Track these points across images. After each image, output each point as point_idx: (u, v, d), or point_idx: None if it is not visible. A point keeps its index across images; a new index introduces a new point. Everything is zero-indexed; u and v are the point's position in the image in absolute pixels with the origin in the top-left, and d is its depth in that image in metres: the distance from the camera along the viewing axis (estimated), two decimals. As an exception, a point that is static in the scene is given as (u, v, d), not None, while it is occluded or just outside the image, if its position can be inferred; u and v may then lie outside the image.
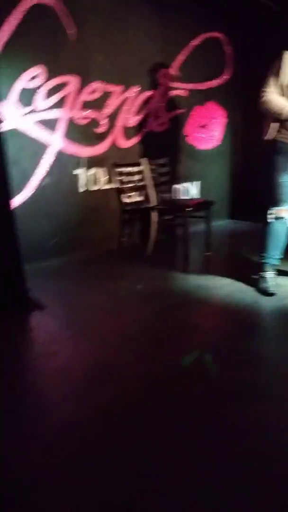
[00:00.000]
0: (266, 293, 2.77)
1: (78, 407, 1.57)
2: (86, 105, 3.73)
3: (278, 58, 2.57)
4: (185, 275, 3.29)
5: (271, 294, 2.75)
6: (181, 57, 4.55)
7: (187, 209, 3.48)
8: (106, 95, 3.86)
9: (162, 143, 4.43)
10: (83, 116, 3.71)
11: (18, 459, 1.30)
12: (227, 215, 5.55)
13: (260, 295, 2.76)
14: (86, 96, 3.71)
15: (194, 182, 4.98)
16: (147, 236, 3.81)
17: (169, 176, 4.21)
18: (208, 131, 5.11)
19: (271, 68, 2.60)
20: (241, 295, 2.78)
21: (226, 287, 2.93)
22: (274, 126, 2.63)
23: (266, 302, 2.64)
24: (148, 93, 4.24)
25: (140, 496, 1.14)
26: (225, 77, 5.15)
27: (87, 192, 3.87)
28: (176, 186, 4.70)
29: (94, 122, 3.82)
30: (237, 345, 2.11)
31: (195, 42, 4.67)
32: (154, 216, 3.74)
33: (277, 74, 2.56)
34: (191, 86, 4.71)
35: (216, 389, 1.69)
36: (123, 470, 1.24)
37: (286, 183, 2.66)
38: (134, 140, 4.19)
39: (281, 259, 2.90)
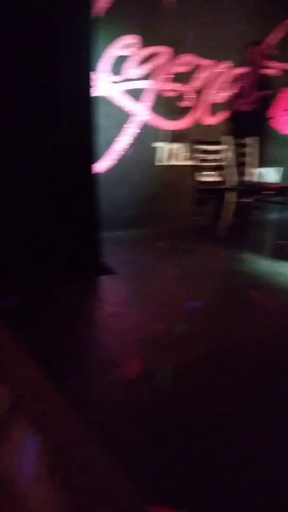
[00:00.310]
0: None
1: (137, 367, 1.62)
2: (175, 78, 3.68)
3: None
4: (256, 259, 3.20)
5: None
6: (279, 35, 4.33)
7: (266, 192, 3.37)
8: (195, 69, 3.79)
9: (247, 123, 4.27)
10: (171, 88, 3.68)
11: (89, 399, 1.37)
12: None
13: None
14: (176, 68, 3.66)
15: (276, 168, 4.78)
16: (221, 217, 3.75)
17: (250, 158, 4.07)
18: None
19: None
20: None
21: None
22: None
23: None
24: (239, 70, 4.10)
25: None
26: None
27: (165, 166, 3.85)
28: (257, 169, 4.54)
29: (181, 96, 3.77)
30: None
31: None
32: (231, 197, 3.66)
33: None
34: (286, 65, 4.49)
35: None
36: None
37: None
38: (219, 117, 4.09)
39: None
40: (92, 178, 2.69)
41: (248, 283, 2.69)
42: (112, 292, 2.44)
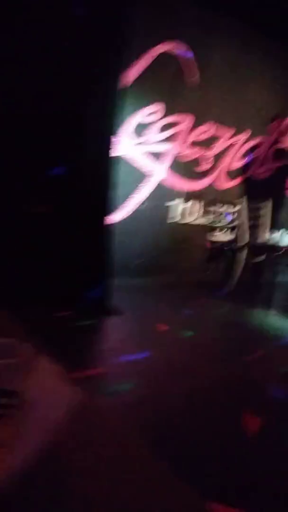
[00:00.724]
0: None
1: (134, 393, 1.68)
2: (196, 143, 3.94)
3: None
4: (263, 314, 3.24)
5: None
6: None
7: (276, 253, 3.44)
8: (215, 136, 4.05)
9: (262, 189, 4.46)
10: (190, 153, 3.93)
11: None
12: None
13: None
14: (197, 134, 3.93)
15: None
16: (231, 274, 3.82)
17: (262, 221, 4.20)
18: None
19: None
20: None
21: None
22: None
23: None
24: (257, 140, 4.35)
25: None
26: None
27: (179, 223, 4.02)
28: (270, 232, 4.65)
29: (199, 160, 4.01)
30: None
31: None
32: (242, 255, 3.75)
33: None
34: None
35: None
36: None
37: None
38: (235, 182, 4.29)
39: None
40: (106, 228, 2.89)
41: (252, 335, 2.72)
42: (115, 329, 2.54)
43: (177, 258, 4.04)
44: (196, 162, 4.00)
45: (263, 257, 3.87)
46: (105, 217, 2.90)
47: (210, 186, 4.13)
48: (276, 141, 4.52)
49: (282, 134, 4.53)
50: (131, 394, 1.71)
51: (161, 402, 1.68)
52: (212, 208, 3.99)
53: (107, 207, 2.92)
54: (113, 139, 2.82)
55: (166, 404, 1.67)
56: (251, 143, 4.31)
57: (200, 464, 1.34)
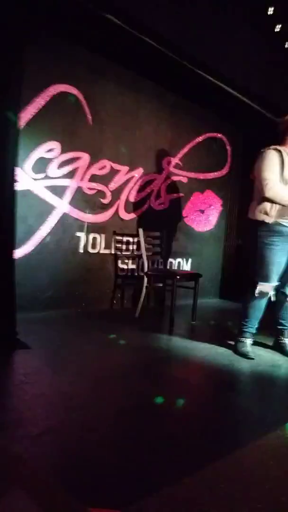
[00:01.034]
0: (246, 356, 2.93)
1: (47, 428, 1.67)
2: (94, 178, 4.15)
3: (264, 155, 2.92)
4: (169, 337, 3.44)
5: (250, 358, 2.90)
6: (185, 149, 5.11)
7: (175, 277, 3.72)
8: (113, 172, 4.31)
9: (160, 219, 4.81)
10: (90, 187, 4.11)
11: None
12: (218, 294, 5.78)
13: (237, 359, 2.89)
14: (94, 170, 4.14)
15: (188, 259, 5.29)
16: (138, 301, 4.02)
17: (163, 249, 4.52)
18: (206, 216, 5.54)
19: (261, 165, 2.91)
20: (219, 357, 2.91)
21: (205, 350, 3.07)
22: (263, 208, 2.91)
23: (241, 366, 2.77)
24: (151, 176, 4.72)
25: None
26: (224, 171, 5.72)
27: (86, 253, 4.14)
28: (170, 260, 5.01)
29: (100, 193, 4.22)
30: (208, 395, 2.23)
31: (199, 138, 5.28)
32: (144, 282, 3.98)
33: (271, 168, 2.88)
34: (191, 175, 5.23)
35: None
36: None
37: (276, 261, 2.91)
38: (135, 214, 4.57)
39: (258, 328, 3.07)
40: (11, 262, 2.89)
41: (160, 357, 2.89)
42: (24, 363, 2.48)
43: (85, 288, 4.13)
44: (97, 195, 4.19)
45: (163, 282, 4.16)
46: (10, 251, 2.91)
47: (112, 218, 4.34)
48: (168, 177, 4.94)
49: (171, 170, 4.96)
50: (34, 425, 1.70)
51: (60, 434, 1.68)
52: (115, 239, 4.19)
53: (12, 241, 2.93)
54: (15, 174, 2.88)
55: (66, 436, 1.68)
56: (146, 178, 4.65)
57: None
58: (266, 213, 2.89)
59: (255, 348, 3.09)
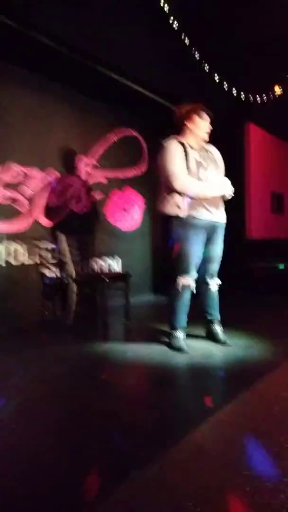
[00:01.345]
0: (180, 351, 2.94)
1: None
2: (7, 185, 3.95)
3: (166, 148, 2.94)
4: (104, 340, 3.38)
5: (184, 352, 2.91)
6: (100, 150, 5.05)
7: (104, 280, 3.66)
8: (27, 177, 4.13)
9: (84, 223, 4.71)
10: (3, 195, 3.91)
11: None
12: (150, 290, 5.82)
13: (173, 354, 2.90)
14: (6, 177, 3.94)
15: (117, 259, 5.25)
16: (67, 308, 3.91)
17: (90, 253, 4.44)
18: (130, 215, 5.54)
19: (165, 158, 2.93)
20: (155, 355, 2.89)
21: (141, 349, 3.05)
22: (174, 201, 2.93)
23: (177, 360, 2.78)
24: (69, 179, 4.60)
25: None
26: (143, 168, 5.74)
27: (8, 266, 3.94)
28: (98, 262, 4.93)
29: (13, 201, 4.02)
30: (143, 395, 2.20)
31: (114, 137, 5.25)
32: (74, 288, 3.87)
33: (175, 161, 2.90)
34: (110, 174, 5.18)
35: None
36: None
37: (194, 254, 2.95)
38: (56, 219, 4.43)
39: (187, 321, 3.11)
40: None
41: (94, 363, 2.82)
42: None
43: (13, 303, 3.93)
44: (12, 203, 4.00)
45: (91, 286, 4.08)
46: None
47: (33, 226, 4.17)
48: (86, 179, 4.85)
49: (88, 170, 4.88)
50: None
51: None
52: (39, 247, 4.03)
53: None
54: None
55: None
56: (63, 182, 4.52)
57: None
58: (178, 207, 2.90)
59: (189, 341, 3.12)
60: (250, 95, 5.66)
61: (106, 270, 5.05)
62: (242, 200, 6.23)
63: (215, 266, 3.14)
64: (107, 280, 3.68)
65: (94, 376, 2.57)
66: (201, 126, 3.01)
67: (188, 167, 2.90)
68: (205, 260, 3.06)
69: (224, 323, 3.25)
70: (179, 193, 2.89)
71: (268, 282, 5.67)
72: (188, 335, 3.18)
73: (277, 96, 5.75)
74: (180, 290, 2.98)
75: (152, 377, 2.59)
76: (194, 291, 3.06)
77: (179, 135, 3.03)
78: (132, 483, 1.35)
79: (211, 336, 3.19)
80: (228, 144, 6.05)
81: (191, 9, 4.49)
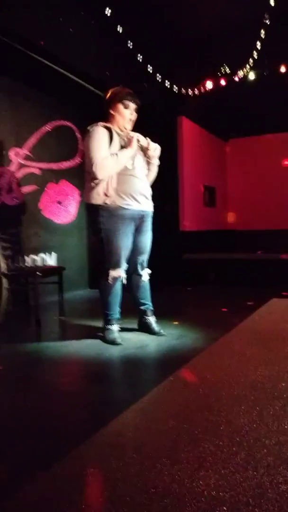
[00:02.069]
0: (114, 343, 2.93)
1: None
2: None
3: (90, 134, 2.88)
4: (37, 338, 3.29)
5: (118, 344, 2.91)
6: (32, 139, 4.87)
7: (36, 274, 3.55)
8: None
9: (15, 215, 4.55)
10: None
11: None
12: (87, 284, 5.75)
13: (106, 347, 2.88)
14: None
15: (52, 254, 5.12)
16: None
17: (22, 246, 4.29)
18: (64, 207, 5.41)
19: (89, 144, 2.87)
20: (89, 349, 2.86)
21: (75, 345, 3.00)
22: (101, 190, 2.88)
23: (111, 353, 2.77)
24: (-2, 169, 4.41)
25: None
26: (77, 160, 5.63)
27: None
28: (31, 256, 4.78)
29: None
30: (75, 390, 2.17)
31: (47, 127, 5.09)
32: (5, 283, 3.72)
33: (99, 147, 2.85)
34: (43, 165, 5.03)
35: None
36: None
37: (124, 246, 2.93)
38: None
39: (120, 313, 3.10)
40: None
41: (25, 362, 2.72)
42: None
43: None
44: None
45: (23, 280, 3.95)
46: None
47: None
48: (18, 169, 4.67)
49: (20, 161, 4.70)
50: None
51: None
52: None
53: None
54: None
55: None
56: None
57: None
58: (105, 195, 2.87)
59: (123, 333, 3.11)
60: (182, 89, 5.74)
61: (40, 264, 4.91)
62: (176, 193, 6.33)
63: (145, 257, 3.15)
64: (40, 274, 3.57)
65: (25, 374, 2.49)
66: (124, 113, 3.00)
67: (112, 152, 2.87)
68: (135, 251, 3.06)
69: (157, 314, 3.28)
70: (104, 181, 2.84)
71: (200, 273, 5.82)
72: (123, 328, 3.18)
73: (208, 91, 5.88)
74: (110, 282, 2.96)
75: (84, 372, 2.57)
76: (125, 282, 3.05)
77: (106, 121, 3.00)
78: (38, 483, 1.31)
79: (145, 327, 3.21)
80: (161, 136, 6.14)
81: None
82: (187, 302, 4.71)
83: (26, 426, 1.79)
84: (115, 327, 3.05)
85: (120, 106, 2.98)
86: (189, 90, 5.81)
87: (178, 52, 5.67)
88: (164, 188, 5.30)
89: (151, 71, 5.06)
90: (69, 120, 5.46)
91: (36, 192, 4.92)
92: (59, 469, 1.38)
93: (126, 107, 2.99)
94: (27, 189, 4.78)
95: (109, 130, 2.91)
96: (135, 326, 3.30)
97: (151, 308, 3.24)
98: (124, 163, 2.88)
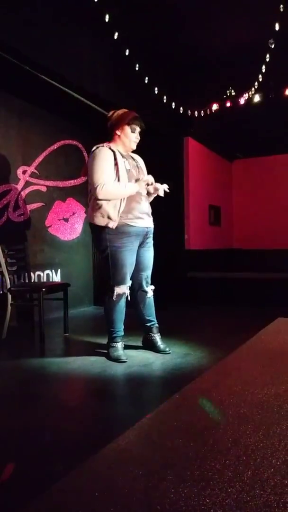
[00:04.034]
0: (118, 360, 2.91)
1: None
2: None
3: (95, 155, 2.93)
4: (41, 354, 3.28)
5: (123, 361, 2.89)
6: (40, 158, 4.95)
7: (41, 290, 3.56)
8: None
9: (21, 231, 4.58)
10: None
11: None
12: (92, 301, 5.74)
13: (111, 365, 2.87)
14: None
15: (57, 270, 5.14)
16: (3, 321, 3.74)
17: (27, 263, 4.31)
18: (70, 224, 5.46)
19: (93, 165, 2.91)
20: (93, 367, 2.85)
21: (78, 362, 2.98)
22: (105, 212, 2.89)
23: (115, 370, 2.75)
24: (6, 186, 4.46)
25: None
26: (83, 178, 5.69)
27: None
28: (38, 273, 4.80)
29: None
30: (77, 407, 2.15)
31: (55, 146, 5.17)
32: (9, 299, 3.73)
33: (103, 169, 2.89)
34: (50, 183, 5.09)
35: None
36: None
37: (128, 263, 2.95)
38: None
39: (125, 330, 3.10)
40: None
41: (29, 379, 2.71)
42: None
43: None
44: None
45: (28, 297, 3.95)
46: None
47: None
48: (25, 187, 4.73)
49: (27, 179, 4.77)
50: None
51: None
52: None
53: None
54: None
55: None
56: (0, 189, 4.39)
57: None
58: (109, 218, 2.88)
59: (127, 350, 3.10)
60: (189, 110, 5.84)
61: (45, 281, 4.92)
62: (181, 212, 6.38)
63: (149, 272, 3.16)
64: (44, 290, 3.58)
65: (29, 390, 2.48)
66: (131, 136, 3.05)
67: (118, 175, 2.91)
68: (140, 267, 3.07)
69: (163, 332, 3.27)
70: (110, 204, 2.88)
71: (206, 292, 5.81)
72: (127, 345, 3.16)
73: (214, 112, 5.98)
74: (115, 299, 2.96)
75: (88, 389, 2.55)
76: (129, 298, 3.05)
77: (110, 142, 3.06)
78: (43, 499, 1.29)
79: (150, 345, 3.19)
80: (168, 157, 6.24)
81: (134, 20, 4.57)
82: (193, 320, 4.69)
83: (31, 442, 1.78)
84: (119, 345, 3.04)
85: (127, 129, 3.03)
86: (196, 111, 5.90)
87: (185, 74, 5.80)
88: (170, 206, 5.35)
89: (157, 93, 5.16)
90: (77, 139, 5.55)
91: (42, 209, 4.97)
92: (64, 485, 1.36)
93: (133, 130, 3.05)
94: (33, 206, 4.84)
95: (113, 152, 2.96)
96: (140, 343, 3.29)
97: (157, 325, 3.22)
98: (126, 196, 2.92)
